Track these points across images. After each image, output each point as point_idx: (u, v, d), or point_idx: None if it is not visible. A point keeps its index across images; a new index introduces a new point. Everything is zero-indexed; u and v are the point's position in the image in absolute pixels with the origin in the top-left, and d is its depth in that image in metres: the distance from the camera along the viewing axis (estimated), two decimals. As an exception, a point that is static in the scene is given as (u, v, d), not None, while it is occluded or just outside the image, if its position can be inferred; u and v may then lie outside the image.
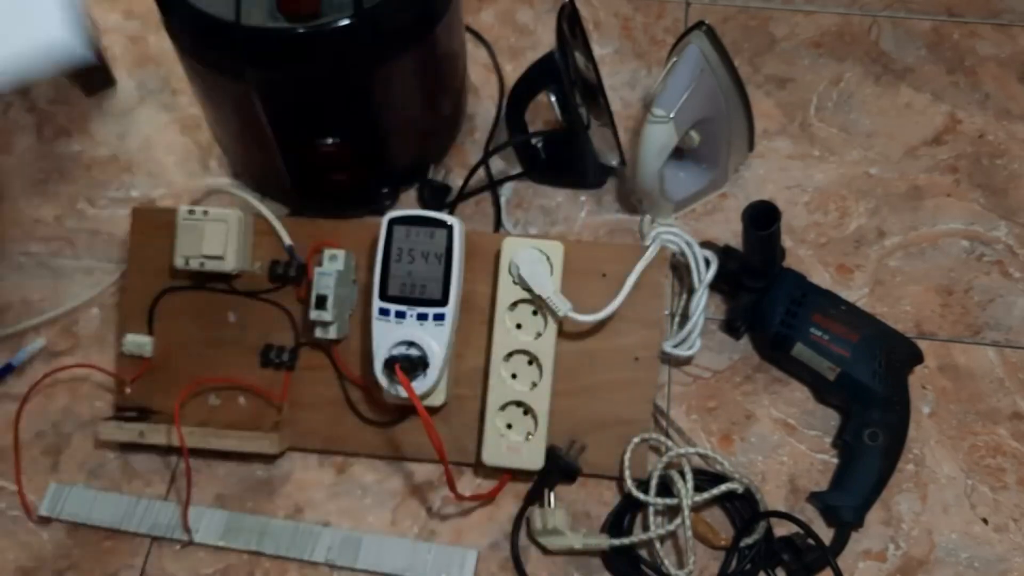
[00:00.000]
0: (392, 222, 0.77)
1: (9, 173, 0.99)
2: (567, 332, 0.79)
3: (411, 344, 0.75)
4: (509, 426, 0.78)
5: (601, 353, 0.79)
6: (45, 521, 0.80)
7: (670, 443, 0.78)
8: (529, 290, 0.77)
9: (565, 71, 0.88)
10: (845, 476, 0.78)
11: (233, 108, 0.84)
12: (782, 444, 0.81)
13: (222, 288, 0.82)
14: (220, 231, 0.79)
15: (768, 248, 0.81)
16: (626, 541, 0.74)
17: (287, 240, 0.82)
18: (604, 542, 0.75)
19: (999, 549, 0.76)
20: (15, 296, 0.92)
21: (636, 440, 0.77)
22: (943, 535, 0.77)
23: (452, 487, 0.74)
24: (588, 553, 0.76)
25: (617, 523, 0.77)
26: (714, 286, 0.86)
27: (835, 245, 0.91)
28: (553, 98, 0.91)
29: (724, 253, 0.86)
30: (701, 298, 0.83)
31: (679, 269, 0.88)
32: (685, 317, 0.84)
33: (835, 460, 0.80)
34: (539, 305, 0.78)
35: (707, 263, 0.84)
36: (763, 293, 0.83)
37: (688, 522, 0.74)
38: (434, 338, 0.75)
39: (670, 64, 0.85)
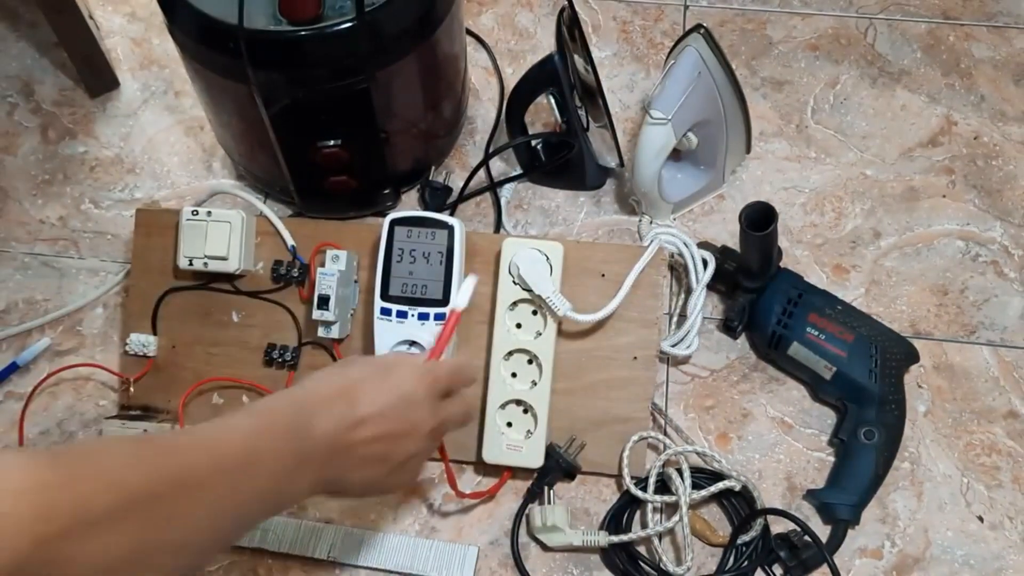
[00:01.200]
0: (393, 223, 0.78)
1: (14, 174, 1.00)
2: (566, 332, 0.80)
3: (412, 343, 0.75)
4: (509, 424, 0.79)
5: (600, 352, 0.80)
6: (50, 519, 0.81)
7: (668, 441, 0.78)
8: (529, 290, 0.78)
9: (564, 74, 0.88)
10: (841, 474, 0.79)
11: (236, 110, 0.85)
12: (779, 442, 0.82)
13: (225, 288, 0.83)
14: (223, 232, 0.80)
15: (765, 249, 0.82)
16: (625, 538, 0.75)
17: (290, 241, 0.83)
18: (603, 539, 0.76)
19: (994, 547, 0.77)
20: (20, 296, 0.92)
21: (635, 438, 0.78)
22: (939, 533, 0.78)
23: (453, 485, 0.74)
24: (587, 550, 0.77)
25: (616, 520, 0.77)
26: (711, 286, 0.86)
27: (831, 246, 0.92)
28: (552, 100, 0.92)
29: (721, 254, 0.86)
30: (699, 298, 0.83)
31: (677, 269, 0.89)
32: (683, 316, 0.85)
33: (831, 458, 0.81)
34: (539, 305, 0.79)
35: (704, 263, 0.85)
36: (760, 293, 0.84)
37: (686, 519, 0.75)
38: (435, 338, 0.75)
39: (668, 67, 0.86)
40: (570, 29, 0.85)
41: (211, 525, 0.49)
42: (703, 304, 0.84)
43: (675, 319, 0.87)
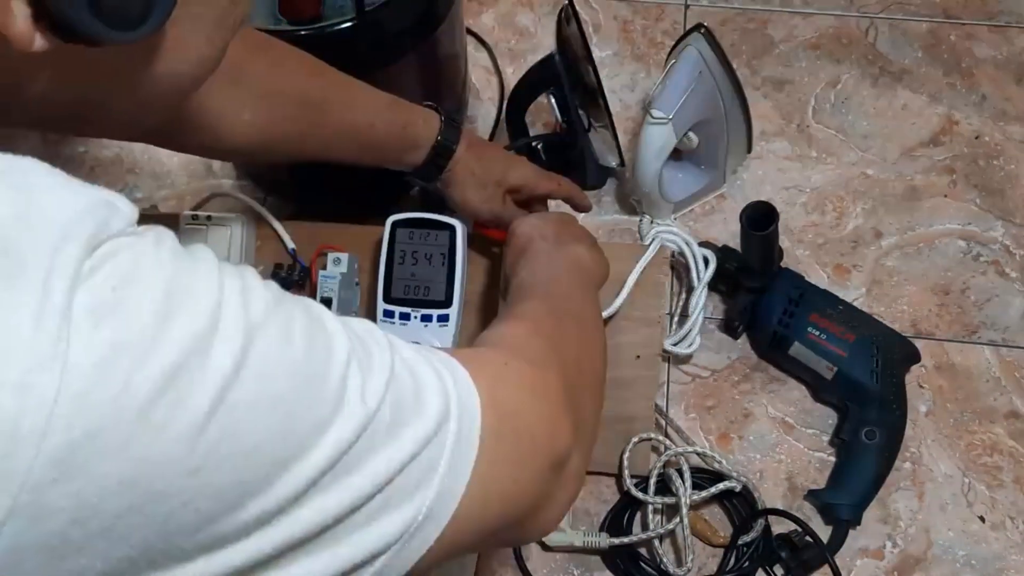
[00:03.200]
0: (395, 224, 0.78)
1: (14, 175, 1.00)
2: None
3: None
4: (510, 425, 0.78)
5: (601, 353, 0.80)
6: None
7: (669, 442, 0.78)
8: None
9: (565, 73, 0.88)
10: (842, 474, 0.79)
11: (236, 111, 0.84)
12: (780, 442, 0.82)
13: (226, 290, 0.83)
14: (223, 236, 0.80)
15: (766, 248, 0.82)
16: (625, 540, 0.75)
17: (290, 244, 0.82)
18: (604, 541, 0.75)
19: (996, 547, 0.77)
20: (20, 298, 0.92)
21: (635, 439, 0.78)
22: (940, 533, 0.78)
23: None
24: (588, 551, 0.77)
25: (617, 521, 0.77)
26: (712, 286, 0.86)
27: (832, 245, 0.92)
28: (553, 100, 0.92)
29: (722, 253, 0.86)
30: (700, 296, 0.83)
31: (678, 268, 0.89)
32: (684, 316, 0.85)
33: (832, 458, 0.81)
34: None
35: (706, 261, 0.85)
36: (761, 293, 0.83)
37: (686, 520, 0.75)
38: (438, 339, 0.75)
39: (669, 66, 0.86)
40: (571, 28, 0.85)
41: None
42: (704, 302, 0.84)
43: (676, 318, 0.87)
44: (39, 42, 0.32)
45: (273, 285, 0.37)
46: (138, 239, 0.33)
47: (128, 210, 0.33)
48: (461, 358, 0.43)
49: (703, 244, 0.87)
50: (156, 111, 0.42)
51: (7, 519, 0.28)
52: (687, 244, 0.85)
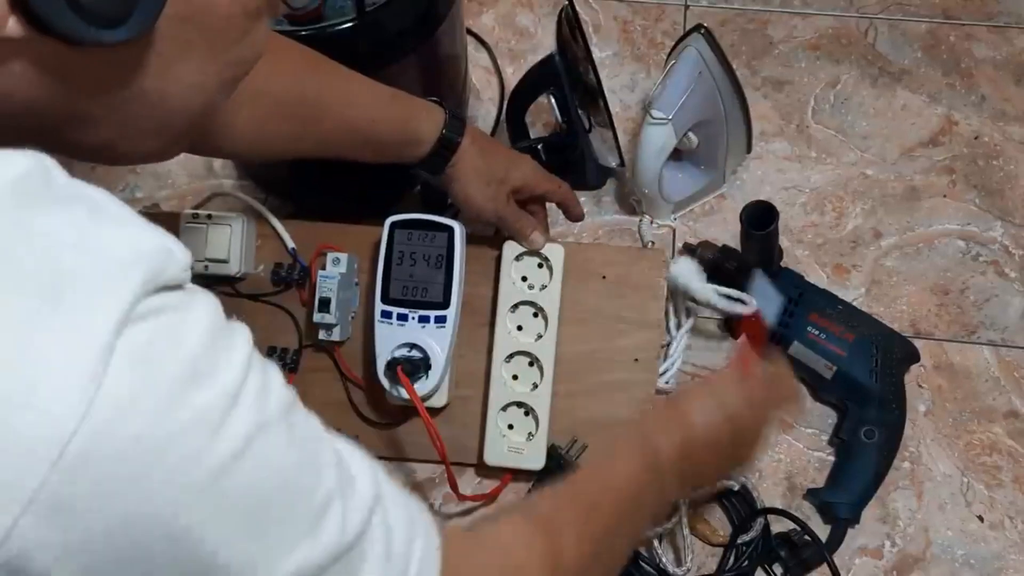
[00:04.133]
0: (394, 225, 0.78)
1: (14, 176, 1.00)
2: (567, 334, 0.80)
3: (413, 346, 0.75)
4: (511, 427, 0.79)
5: (601, 354, 0.80)
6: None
7: (669, 442, 0.79)
8: (693, 299, 0.80)
9: (565, 73, 0.88)
10: (841, 473, 0.79)
11: (236, 111, 0.84)
12: (779, 441, 0.82)
13: (226, 291, 0.83)
14: (224, 235, 0.80)
15: (766, 248, 0.82)
16: (626, 539, 0.75)
17: (290, 243, 0.83)
18: (604, 540, 0.76)
19: (994, 546, 0.77)
20: (21, 298, 0.92)
21: (635, 439, 0.78)
22: (939, 532, 0.78)
23: (453, 487, 0.74)
24: (588, 551, 0.77)
25: (617, 521, 0.78)
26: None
27: (832, 245, 0.92)
28: (553, 100, 0.92)
29: (722, 253, 0.86)
30: (679, 343, 0.84)
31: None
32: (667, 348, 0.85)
33: (832, 458, 0.81)
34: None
35: (687, 313, 0.85)
36: (761, 293, 0.84)
37: (686, 519, 0.75)
38: (436, 340, 0.75)
39: (669, 67, 0.86)
40: (571, 29, 0.85)
41: None
42: (684, 347, 0.84)
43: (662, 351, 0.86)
44: (12, 25, 0.31)
45: (291, 390, 0.39)
46: (189, 299, 0.34)
47: (182, 256, 0.35)
48: (446, 533, 0.44)
49: (702, 244, 0.87)
50: (143, 135, 0.42)
51: (3, 541, 0.28)
52: (672, 292, 0.85)
